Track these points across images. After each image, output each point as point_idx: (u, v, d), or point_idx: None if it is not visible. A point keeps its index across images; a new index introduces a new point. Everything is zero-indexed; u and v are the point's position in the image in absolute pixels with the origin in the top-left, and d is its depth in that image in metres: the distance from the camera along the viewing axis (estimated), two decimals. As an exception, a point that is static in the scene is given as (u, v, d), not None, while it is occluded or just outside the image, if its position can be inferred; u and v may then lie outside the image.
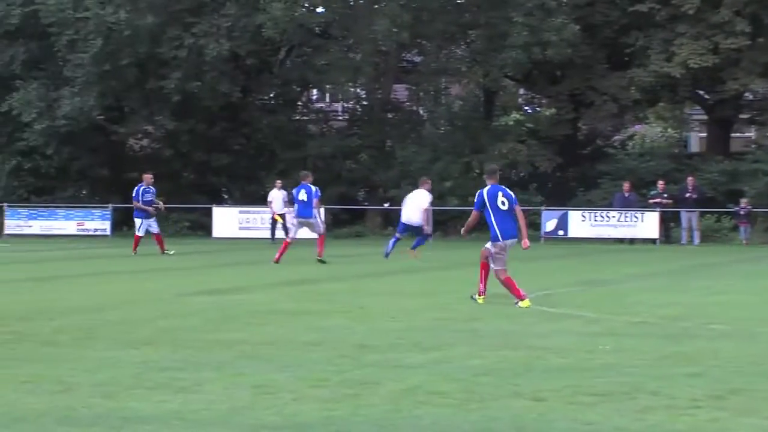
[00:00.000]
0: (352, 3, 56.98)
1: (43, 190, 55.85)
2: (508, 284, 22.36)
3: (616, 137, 60.76)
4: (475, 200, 22.98)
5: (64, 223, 51.72)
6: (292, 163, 50.09)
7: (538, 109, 62.63)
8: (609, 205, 51.42)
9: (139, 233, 38.78)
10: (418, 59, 60.21)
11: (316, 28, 55.87)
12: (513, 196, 23.40)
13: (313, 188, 32.64)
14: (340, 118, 64.07)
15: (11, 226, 54.38)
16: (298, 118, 62.33)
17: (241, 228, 51.84)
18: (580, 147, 58.03)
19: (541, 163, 54.33)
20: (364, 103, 60.68)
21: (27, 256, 38.51)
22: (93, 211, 54.17)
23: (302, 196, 32.04)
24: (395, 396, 11.76)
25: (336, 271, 31.24)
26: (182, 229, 53.93)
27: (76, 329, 17.55)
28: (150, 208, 38.86)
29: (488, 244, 22.49)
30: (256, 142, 58.02)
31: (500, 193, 22.91)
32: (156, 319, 19.30)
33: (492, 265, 22.46)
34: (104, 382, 12.44)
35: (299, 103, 63.12)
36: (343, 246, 43.03)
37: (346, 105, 63.71)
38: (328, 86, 61.66)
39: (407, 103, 62.56)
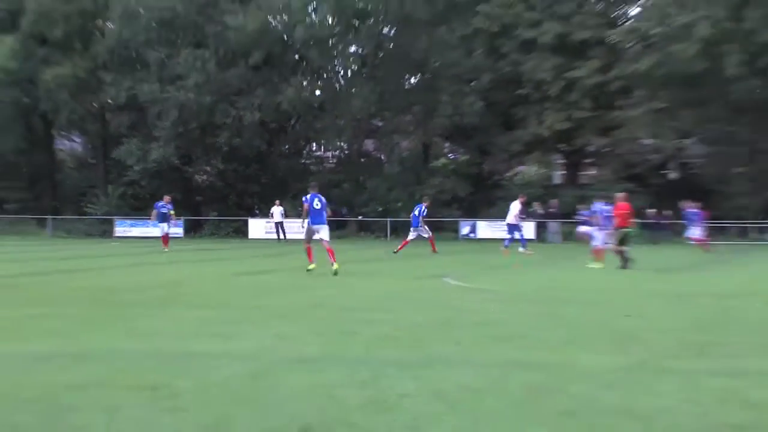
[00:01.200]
0: (338, 88, 56.87)
1: (140, 207, 55.69)
2: (307, 252, 24.54)
3: (506, 174, 60.83)
4: (304, 201, 24.61)
5: (153, 230, 51.64)
6: (299, 191, 50.22)
7: (456, 156, 62.74)
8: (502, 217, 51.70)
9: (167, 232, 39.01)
10: (380, 123, 60.20)
11: (315, 104, 55.82)
12: (324, 201, 24.67)
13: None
14: (331, 161, 64.01)
15: (119, 231, 54.25)
16: (303, 161, 62.29)
17: (266, 232, 51.74)
18: (484, 180, 58.14)
19: (459, 190, 54.43)
20: (346, 152, 60.63)
21: (130, 251, 38.28)
22: (172, 221, 54.07)
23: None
24: (368, 340, 12.04)
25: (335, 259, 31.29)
26: (229, 233, 53.88)
27: (160, 297, 17.73)
28: (153, 213, 39.37)
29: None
30: (276, 177, 57.87)
31: (316, 199, 24.27)
32: (212, 290, 19.50)
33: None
34: (177, 332, 12.70)
35: (304, 151, 63.05)
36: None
37: (333, 153, 63.57)
38: (322, 141, 61.48)
39: (374, 152, 62.53)
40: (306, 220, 24.37)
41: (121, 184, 57.24)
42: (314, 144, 64.25)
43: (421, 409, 8.04)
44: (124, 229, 54.39)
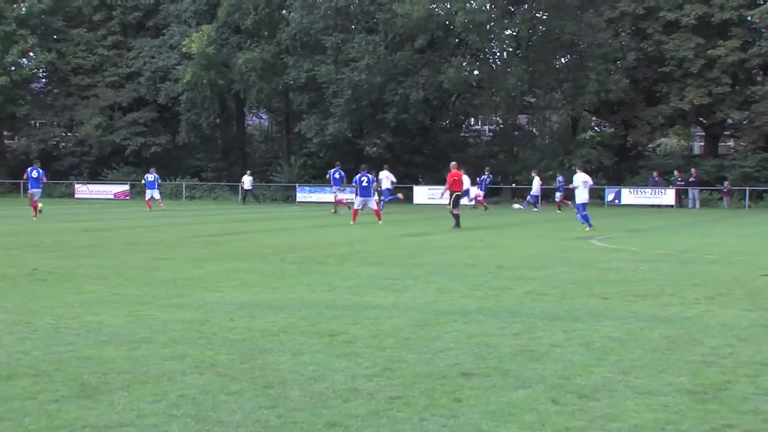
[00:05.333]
0: (494, 68, 56.44)
1: (318, 176, 56.54)
2: (354, 213, 30.82)
3: (649, 145, 59.46)
4: (354, 180, 31.97)
5: (329, 195, 52.47)
6: (459, 161, 50.09)
7: (602, 129, 61.61)
8: (645, 184, 50.74)
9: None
10: (532, 100, 59.64)
11: (473, 82, 55.55)
12: (372, 178, 31.42)
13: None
14: (487, 135, 63.71)
15: (300, 197, 55.32)
16: (462, 134, 62.14)
17: (429, 198, 51.93)
18: (628, 151, 56.88)
19: (604, 160, 53.56)
20: (501, 125, 60.23)
21: (309, 214, 39.07)
22: (347, 187, 54.89)
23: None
24: (520, 296, 12.11)
25: (482, 222, 31.38)
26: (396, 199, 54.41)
27: (336, 255, 18.15)
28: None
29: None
30: (438, 149, 57.91)
31: (365, 177, 30.84)
32: (381, 249, 19.83)
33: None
34: (352, 286, 13.03)
35: (463, 126, 62.88)
36: (493, 208, 42.96)
37: (490, 127, 63.21)
38: (480, 116, 61.20)
39: (526, 126, 61.99)
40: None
41: (302, 155, 58.33)
42: (472, 119, 64.05)
43: (570, 358, 8.09)
44: (304, 195, 55.33)
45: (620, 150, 56.17)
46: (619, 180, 53.52)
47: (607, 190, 51.14)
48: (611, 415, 6.28)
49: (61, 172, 63.48)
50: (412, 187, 53.80)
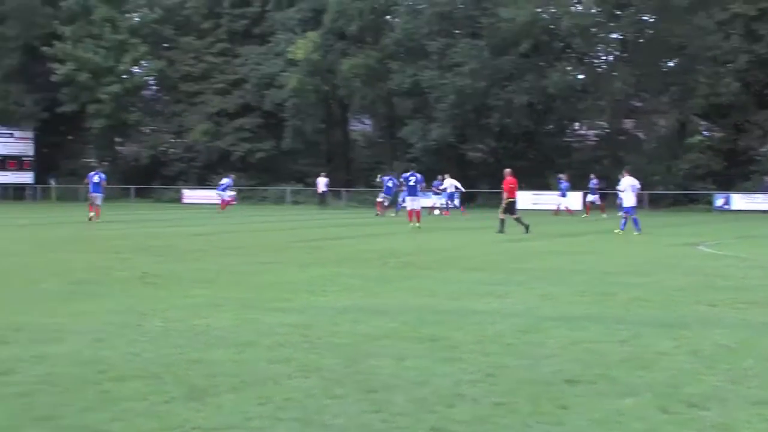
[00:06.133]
0: (599, 71, 55.78)
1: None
2: (409, 214, 30.72)
3: (761, 149, 57.86)
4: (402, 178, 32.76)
5: (433, 200, 52.42)
6: (564, 166, 49.54)
7: (711, 133, 60.20)
8: (757, 190, 49.35)
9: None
10: (638, 103, 58.59)
11: (577, 86, 54.83)
12: (419, 178, 31.99)
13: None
14: (592, 139, 62.83)
15: (401, 202, 55.28)
16: (566, 139, 61.42)
17: (533, 204, 51.45)
18: (738, 155, 55.44)
19: (713, 165, 52.38)
20: (606, 130, 59.36)
21: None
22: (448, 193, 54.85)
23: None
24: (625, 302, 11.92)
25: (586, 228, 30.96)
26: (499, 204, 53.98)
27: (438, 260, 18.16)
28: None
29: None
30: (542, 153, 57.44)
31: (413, 177, 31.21)
32: (483, 255, 19.77)
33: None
34: (454, 291, 13.01)
35: (567, 130, 62.15)
36: (595, 214, 42.36)
37: (594, 132, 62.33)
38: (584, 120, 60.38)
39: (632, 130, 60.94)
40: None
41: (405, 160, 58.38)
42: (576, 123, 63.26)
43: (679, 366, 7.93)
44: (407, 200, 55.33)
45: (730, 154, 54.73)
46: (728, 185, 52.17)
47: (716, 196, 49.96)
48: (722, 425, 6.13)
49: (170, 178, 65.02)
50: (515, 193, 53.34)
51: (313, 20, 59.55)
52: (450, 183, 45.32)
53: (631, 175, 28.80)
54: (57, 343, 8.73)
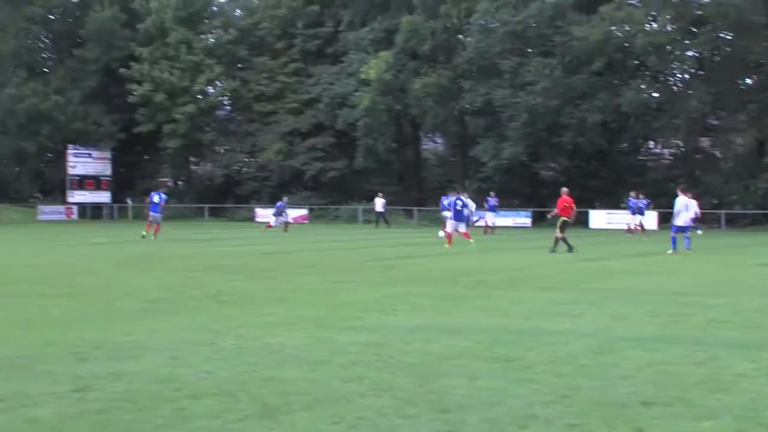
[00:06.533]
0: (675, 89, 55.15)
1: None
2: (448, 237, 30.50)
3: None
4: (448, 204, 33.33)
5: (503, 220, 52.32)
6: (638, 186, 48.91)
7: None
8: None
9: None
10: (715, 122, 57.69)
11: (652, 105, 54.17)
12: (465, 202, 31.48)
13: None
14: (667, 158, 61.98)
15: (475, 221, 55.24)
16: (640, 158, 60.69)
17: (607, 223, 50.93)
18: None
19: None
20: (682, 149, 58.61)
21: (481, 239, 38.24)
22: (520, 211, 54.62)
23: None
24: (701, 323, 11.72)
25: (653, 248, 30.47)
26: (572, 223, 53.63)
27: (509, 279, 18.08)
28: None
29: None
30: (615, 173, 56.87)
31: (459, 201, 30.66)
32: (554, 274, 19.57)
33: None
34: (526, 311, 12.91)
35: (641, 149, 61.45)
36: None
37: (670, 150, 61.50)
38: (659, 139, 59.62)
39: (708, 148, 60.01)
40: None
41: (477, 179, 58.34)
42: (651, 142, 62.51)
43: (759, 389, 7.77)
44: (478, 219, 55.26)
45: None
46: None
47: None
48: (804, 451, 5.99)
49: (243, 197, 65.82)
50: (587, 212, 52.95)
51: (386, 40, 59.88)
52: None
53: (687, 194, 28.13)
54: (134, 361, 8.88)
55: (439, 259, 24.81)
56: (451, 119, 60.23)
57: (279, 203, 46.79)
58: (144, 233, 34.90)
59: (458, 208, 30.80)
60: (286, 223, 44.93)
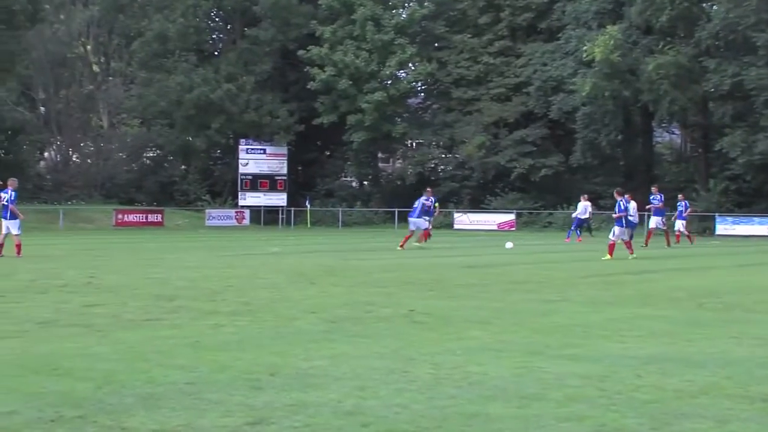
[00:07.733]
0: None
1: (743, 204, 54.97)
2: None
3: None
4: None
5: (757, 228, 50.68)
6: None
7: None
8: None
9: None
10: None
11: None
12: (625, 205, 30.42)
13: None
14: None
15: (720, 229, 53.85)
16: None
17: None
18: None
19: None
20: None
21: (732, 251, 37.93)
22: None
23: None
24: None
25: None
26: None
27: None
28: None
29: None
30: None
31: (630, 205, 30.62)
32: None
33: None
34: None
35: None
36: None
37: None
38: None
39: None
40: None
41: (723, 178, 56.80)
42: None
43: None
44: (725, 227, 53.80)
45: None
46: None
47: None
48: None
49: (440, 199, 65.89)
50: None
51: (613, 12, 59.02)
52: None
53: None
54: (315, 390, 9.05)
55: (678, 275, 24.29)
56: (692, 106, 58.82)
57: (426, 199, 39.05)
58: (416, 243, 36.76)
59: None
60: (426, 230, 39.37)
